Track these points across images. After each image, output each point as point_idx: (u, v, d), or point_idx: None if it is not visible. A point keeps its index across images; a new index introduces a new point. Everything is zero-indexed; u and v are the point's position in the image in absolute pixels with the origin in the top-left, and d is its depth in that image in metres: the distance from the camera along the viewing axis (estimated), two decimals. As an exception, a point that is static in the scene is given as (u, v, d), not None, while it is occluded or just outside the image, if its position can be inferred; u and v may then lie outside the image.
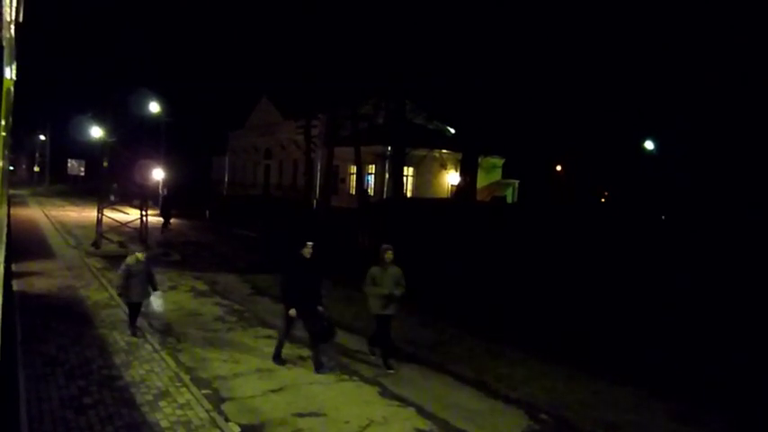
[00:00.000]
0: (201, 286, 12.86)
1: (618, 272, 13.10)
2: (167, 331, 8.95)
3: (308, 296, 7.53)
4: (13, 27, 3.12)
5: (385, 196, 33.39)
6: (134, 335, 8.40)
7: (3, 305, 4.50)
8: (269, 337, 9.05)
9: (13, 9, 3.00)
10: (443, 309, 11.67)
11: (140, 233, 17.84)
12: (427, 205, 26.72)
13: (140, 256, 8.58)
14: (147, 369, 7.08)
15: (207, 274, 14.34)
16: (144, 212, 17.54)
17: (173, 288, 12.36)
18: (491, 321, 10.78)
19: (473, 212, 23.46)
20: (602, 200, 48.19)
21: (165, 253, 17.58)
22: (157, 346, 8.00)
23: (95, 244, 16.74)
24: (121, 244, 17.40)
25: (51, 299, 10.43)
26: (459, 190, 25.24)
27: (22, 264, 13.56)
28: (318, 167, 39.99)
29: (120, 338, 8.35)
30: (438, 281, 14.32)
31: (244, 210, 28.44)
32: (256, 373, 7.28)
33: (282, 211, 26.41)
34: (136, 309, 8.62)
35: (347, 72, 29.19)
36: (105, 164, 16.97)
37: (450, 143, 38.99)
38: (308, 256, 7.69)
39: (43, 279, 12.15)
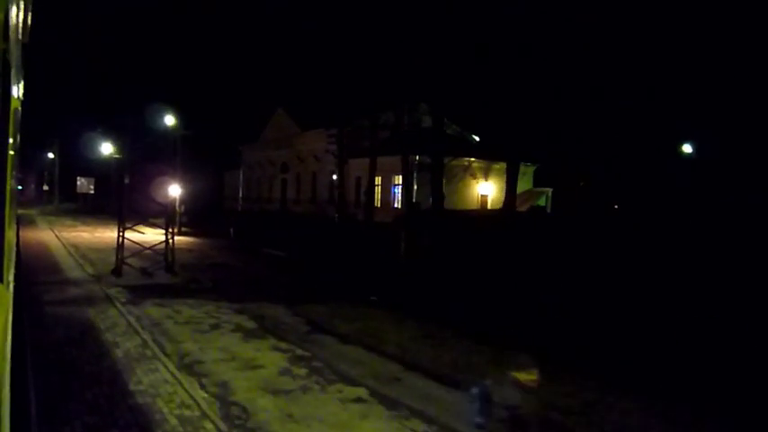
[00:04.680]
0: (247, 323, 10.71)
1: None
2: (227, 396, 6.79)
3: None
4: (19, 46, 2.91)
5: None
6: None
7: (12, 359, 3.59)
8: (359, 400, 6.88)
9: (20, 28, 2.77)
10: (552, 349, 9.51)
11: (166, 257, 15.80)
12: (470, 217, 24.60)
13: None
14: (218, 469, 4.94)
15: (248, 306, 12.19)
16: (171, 232, 15.49)
17: (215, 327, 10.23)
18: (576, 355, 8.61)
19: (525, 225, 21.35)
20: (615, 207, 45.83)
21: (194, 279, 15.49)
22: (222, 425, 5.84)
23: (116, 271, 14.68)
24: (144, 271, 15.38)
25: (71, 348, 8.30)
26: (507, 202, 23.18)
27: (33, 297, 11.51)
28: (335, 179, 38.00)
29: (167, 409, 6.20)
30: (513, 305, 12.30)
31: (271, 227, 26.38)
32: (372, 471, 5.12)
33: (315, 228, 24.34)
34: None
35: (377, 80, 27.58)
36: (126, 180, 15.01)
37: (477, 151, 37.08)
38: None
39: (59, 320, 10.06)
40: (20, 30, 2.77)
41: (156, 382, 7.00)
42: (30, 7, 3.20)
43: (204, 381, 7.25)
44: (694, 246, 15.17)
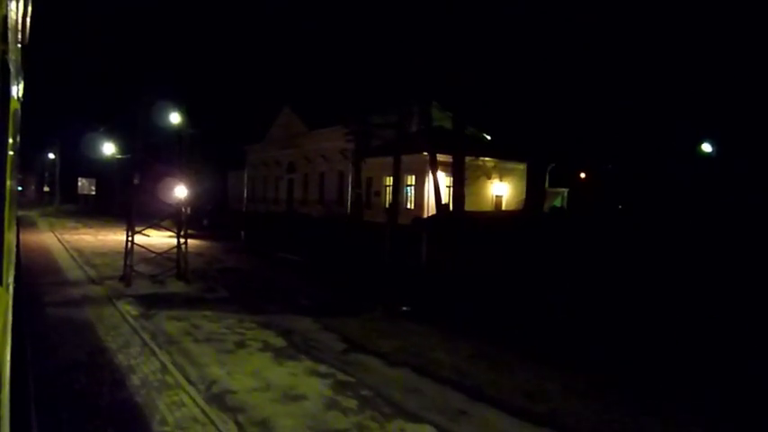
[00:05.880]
0: (275, 339, 9.54)
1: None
2: (270, 439, 5.63)
3: None
4: (19, 47, 2.87)
5: (426, 209, 30.29)
6: None
7: (12, 388, 3.07)
8: (429, 442, 5.73)
9: (20, 29, 2.77)
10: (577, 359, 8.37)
11: (178, 263, 14.65)
12: (492, 218, 23.48)
13: None
14: None
15: (272, 318, 11.05)
16: (184, 235, 14.34)
17: (240, 345, 9.06)
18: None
19: (552, 227, 20.23)
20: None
21: (209, 287, 14.32)
22: (273, 484, 4.68)
23: (124, 279, 13.51)
24: (155, 278, 14.23)
25: (80, 375, 7.13)
26: (529, 203, 22.07)
27: (35, 311, 10.35)
28: (349, 179, 36.95)
29: (200, 459, 5.06)
30: (542, 313, 11.21)
31: (281, 229, 25.21)
32: None
33: (327, 230, 23.18)
34: None
35: (389, 78, 26.56)
36: (136, 180, 13.88)
37: (491, 150, 36.04)
38: None
39: (64, 338, 8.89)
40: (19, 31, 2.76)
41: (184, 421, 5.83)
42: (29, 8, 3.17)
43: (240, 418, 6.09)
44: (702, 246, 14.56)
